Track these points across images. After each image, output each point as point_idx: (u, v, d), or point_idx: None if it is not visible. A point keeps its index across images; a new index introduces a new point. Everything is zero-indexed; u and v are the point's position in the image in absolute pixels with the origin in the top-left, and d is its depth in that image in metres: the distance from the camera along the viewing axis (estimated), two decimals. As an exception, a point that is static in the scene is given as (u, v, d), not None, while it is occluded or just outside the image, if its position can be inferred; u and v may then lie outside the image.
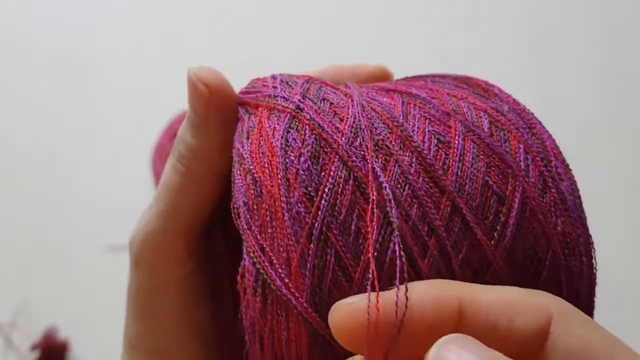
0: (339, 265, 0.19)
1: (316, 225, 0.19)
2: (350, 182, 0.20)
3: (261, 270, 0.20)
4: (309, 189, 0.20)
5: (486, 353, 0.17)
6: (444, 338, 0.17)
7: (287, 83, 0.23)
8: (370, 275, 0.19)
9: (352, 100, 0.22)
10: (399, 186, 0.20)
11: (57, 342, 0.62)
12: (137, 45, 0.79)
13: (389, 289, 0.18)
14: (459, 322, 0.18)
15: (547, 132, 0.22)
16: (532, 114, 0.23)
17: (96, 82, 0.77)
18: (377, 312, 0.17)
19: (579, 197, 0.22)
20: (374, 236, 0.19)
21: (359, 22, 0.82)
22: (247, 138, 0.21)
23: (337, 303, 0.18)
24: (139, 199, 0.71)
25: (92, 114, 0.75)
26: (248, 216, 0.20)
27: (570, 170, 0.22)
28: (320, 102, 0.22)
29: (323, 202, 0.19)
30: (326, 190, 0.20)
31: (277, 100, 0.22)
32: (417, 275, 0.19)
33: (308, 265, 0.19)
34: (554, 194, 0.21)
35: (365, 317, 0.17)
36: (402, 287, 0.18)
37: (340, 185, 0.20)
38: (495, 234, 0.20)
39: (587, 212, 0.22)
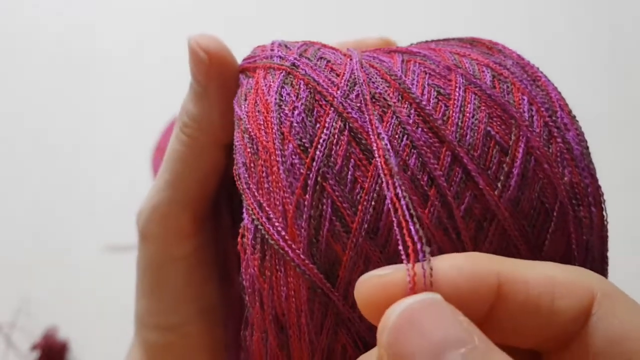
0: (336, 215, 0.19)
1: (311, 175, 0.19)
2: (346, 132, 0.19)
3: (259, 227, 0.19)
4: (304, 140, 0.19)
5: (455, 325, 0.16)
6: (407, 301, 0.16)
7: (286, 46, 0.23)
8: (400, 245, 0.18)
9: (350, 59, 0.22)
10: (396, 136, 0.19)
11: (57, 342, 0.62)
12: (138, 45, 0.79)
13: (422, 261, 0.17)
14: (498, 300, 0.17)
15: (553, 84, 0.22)
16: (537, 67, 0.22)
17: (96, 82, 0.77)
18: (411, 285, 0.17)
19: (587, 147, 0.21)
20: (371, 185, 0.19)
21: (358, 20, 0.82)
22: (245, 99, 0.21)
23: (366, 275, 0.17)
24: (139, 199, 0.71)
25: (93, 114, 0.75)
26: (246, 175, 0.20)
27: (577, 121, 0.21)
28: (317, 60, 0.22)
29: (318, 152, 0.19)
30: (321, 141, 0.19)
31: (274, 60, 0.22)
32: (419, 238, 0.18)
33: (304, 216, 0.19)
34: (559, 144, 0.20)
35: (394, 291, 0.17)
36: (434, 261, 0.17)
37: (336, 136, 0.19)
38: (499, 184, 0.19)
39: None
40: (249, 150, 0.20)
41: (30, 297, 0.66)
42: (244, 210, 0.20)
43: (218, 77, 0.23)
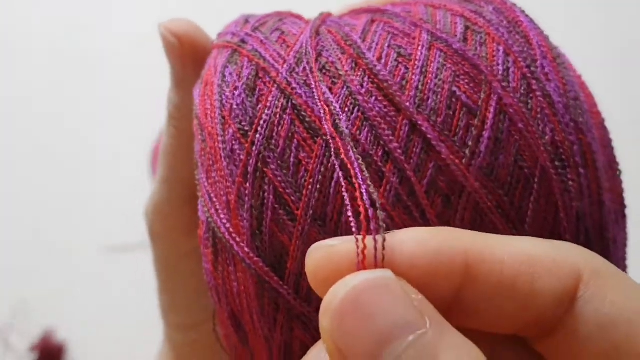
0: (279, 202, 0.17)
1: (251, 161, 0.17)
2: (288, 111, 0.18)
3: (209, 219, 0.18)
4: (243, 123, 0.18)
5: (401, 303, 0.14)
6: (352, 280, 0.14)
7: (246, 21, 0.21)
8: (347, 217, 0.16)
9: (308, 27, 0.20)
10: (346, 109, 0.17)
11: (54, 343, 0.62)
12: (138, 45, 0.79)
13: (384, 234, 0.15)
14: (467, 281, 0.15)
15: (537, 28, 0.19)
16: (522, 11, 0.20)
17: (96, 81, 0.77)
18: (360, 258, 0.15)
19: (575, 98, 0.18)
20: (316, 167, 0.17)
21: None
22: (200, 82, 0.20)
23: (316, 244, 0.16)
24: (138, 200, 0.70)
25: (93, 114, 0.75)
26: (200, 164, 0.19)
27: (564, 68, 0.19)
28: (271, 33, 0.20)
29: (258, 135, 0.18)
30: (261, 122, 0.18)
31: (227, 37, 0.21)
32: (374, 207, 0.16)
33: (246, 206, 0.17)
34: (539, 98, 0.18)
35: (344, 262, 0.15)
36: (392, 235, 0.15)
37: (277, 116, 0.18)
38: (467, 151, 0.17)
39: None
40: (199, 137, 0.19)
41: (28, 299, 0.66)
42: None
43: (193, 61, 0.22)
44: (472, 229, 0.16)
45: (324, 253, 0.15)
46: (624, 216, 0.19)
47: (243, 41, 0.20)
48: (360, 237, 0.15)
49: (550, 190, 0.17)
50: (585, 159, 0.18)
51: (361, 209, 0.15)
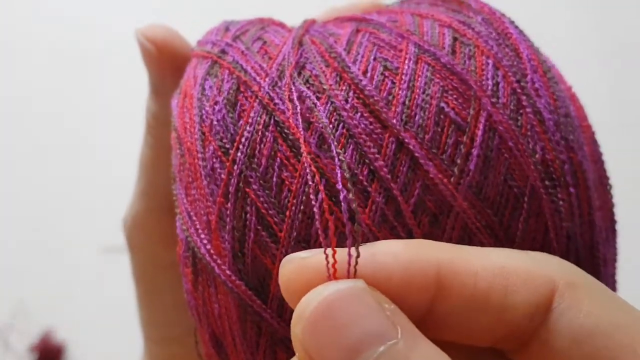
0: (262, 223, 0.17)
1: (232, 180, 0.17)
2: (271, 127, 0.17)
3: (189, 238, 0.18)
4: (224, 141, 0.17)
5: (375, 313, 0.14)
6: (325, 290, 0.14)
7: (227, 28, 0.21)
8: (311, 232, 0.16)
9: (290, 36, 0.19)
10: (330, 126, 0.17)
11: (54, 343, 0.62)
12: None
13: (357, 246, 0.15)
14: (439, 292, 0.15)
15: (527, 40, 0.19)
16: (511, 22, 0.19)
17: (96, 81, 0.77)
18: (331, 270, 0.14)
19: (566, 114, 0.18)
20: (299, 187, 0.17)
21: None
22: (179, 93, 0.19)
23: (289, 256, 0.15)
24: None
25: (92, 114, 0.75)
26: (178, 179, 0.18)
27: (553, 82, 0.18)
28: (252, 43, 0.19)
29: (239, 154, 0.17)
30: (243, 140, 0.17)
31: (207, 46, 0.20)
32: (352, 220, 0.15)
33: (227, 227, 0.17)
34: (529, 115, 0.17)
35: (316, 273, 0.15)
36: (367, 248, 0.15)
37: (260, 133, 0.17)
38: (456, 170, 0.16)
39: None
40: (177, 151, 0.18)
41: (28, 299, 0.66)
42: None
43: (171, 69, 0.22)
44: None
45: (296, 265, 0.15)
46: (614, 232, 0.19)
47: (223, 51, 0.19)
48: (329, 250, 0.14)
49: (540, 210, 0.17)
50: (576, 177, 0.17)
51: (333, 222, 0.15)
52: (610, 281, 0.19)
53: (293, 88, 0.17)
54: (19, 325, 0.64)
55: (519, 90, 0.17)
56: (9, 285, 0.67)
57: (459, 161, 0.16)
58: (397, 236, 0.16)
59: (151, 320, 0.25)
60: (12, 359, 0.63)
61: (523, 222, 0.17)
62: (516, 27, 0.19)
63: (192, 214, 0.18)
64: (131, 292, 0.70)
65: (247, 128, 0.17)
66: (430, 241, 0.16)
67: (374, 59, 0.18)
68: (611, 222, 0.19)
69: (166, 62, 0.22)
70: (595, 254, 0.18)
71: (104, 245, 0.69)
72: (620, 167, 0.73)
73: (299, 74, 0.18)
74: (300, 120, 0.17)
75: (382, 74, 0.17)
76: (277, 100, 0.17)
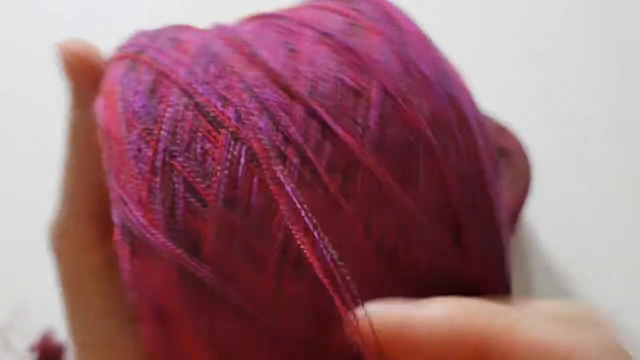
0: (190, 190, 0.18)
1: (158, 156, 0.19)
2: (191, 107, 0.19)
3: (124, 220, 0.19)
4: (147, 123, 0.19)
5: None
6: None
7: (143, 34, 0.23)
8: (258, 199, 0.18)
9: (203, 35, 0.22)
10: (245, 102, 0.19)
11: (54, 344, 0.62)
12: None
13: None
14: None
15: (411, 23, 0.22)
16: (398, 9, 0.23)
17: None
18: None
19: (445, 74, 0.21)
20: (222, 154, 0.19)
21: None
22: (101, 95, 0.21)
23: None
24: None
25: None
26: (109, 171, 0.20)
27: (433, 49, 0.22)
28: (168, 41, 0.22)
29: (163, 132, 0.19)
30: (165, 120, 0.19)
31: (125, 48, 0.22)
32: (279, 186, 0.18)
33: (157, 199, 0.18)
34: (416, 77, 0.20)
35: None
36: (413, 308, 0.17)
37: (180, 113, 0.19)
38: (359, 129, 0.19)
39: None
40: (105, 144, 0.20)
41: (28, 299, 0.66)
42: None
43: (91, 80, 0.23)
44: (369, 198, 0.18)
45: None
46: (496, 169, 0.22)
47: (141, 51, 0.21)
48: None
49: (433, 155, 0.20)
50: (461, 124, 0.20)
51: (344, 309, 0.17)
52: (501, 214, 0.22)
53: (208, 74, 0.20)
54: (19, 325, 0.64)
55: (403, 57, 0.20)
56: (9, 285, 0.67)
57: (359, 120, 0.19)
58: (315, 192, 0.19)
59: (78, 326, 0.25)
60: (12, 359, 0.63)
61: (422, 167, 0.19)
62: (398, 8, 0.23)
63: (124, 196, 0.19)
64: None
65: (168, 109, 0.19)
66: (473, 304, 0.16)
67: (280, 44, 0.21)
68: (493, 160, 0.22)
69: (86, 74, 0.23)
70: (486, 191, 0.21)
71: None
72: (621, 166, 0.73)
73: (212, 62, 0.20)
74: (217, 98, 0.19)
75: (287, 55, 0.20)
76: (194, 85, 0.19)
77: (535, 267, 0.67)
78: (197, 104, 0.19)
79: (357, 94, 0.19)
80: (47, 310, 0.65)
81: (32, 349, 0.62)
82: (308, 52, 0.20)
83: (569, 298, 0.65)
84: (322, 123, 0.19)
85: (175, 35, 0.22)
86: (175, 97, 0.19)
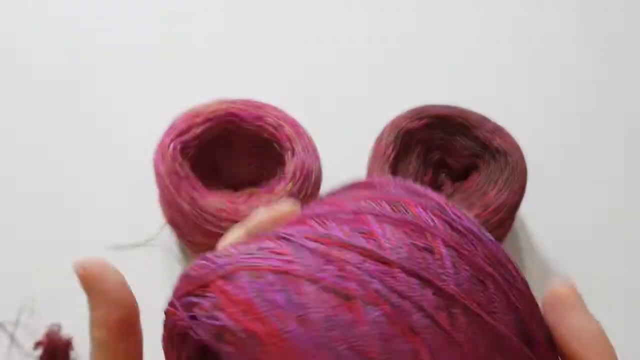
0: None
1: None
2: (321, 289, 0.22)
3: None
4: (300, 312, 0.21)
5: None
6: None
7: (235, 248, 0.24)
8: None
9: (301, 245, 0.24)
10: (362, 277, 0.22)
11: (60, 339, 0.62)
12: (140, 44, 0.80)
13: None
14: None
15: (430, 191, 0.26)
16: (417, 186, 0.26)
17: (98, 82, 0.78)
18: None
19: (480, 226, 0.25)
20: None
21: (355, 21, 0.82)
22: (219, 310, 0.22)
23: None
24: (141, 199, 0.72)
25: (95, 114, 0.76)
26: None
27: (463, 211, 0.25)
28: (269, 253, 0.24)
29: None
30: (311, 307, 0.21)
31: (224, 268, 0.23)
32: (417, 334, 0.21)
33: None
34: (461, 231, 0.24)
35: None
36: None
37: (320, 297, 0.21)
38: (443, 276, 0.22)
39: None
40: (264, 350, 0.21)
41: (34, 295, 0.66)
42: None
43: (112, 299, 0.24)
44: (470, 327, 0.21)
45: None
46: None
47: (249, 258, 0.23)
48: None
49: (499, 285, 0.23)
50: (506, 259, 0.24)
51: None
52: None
53: (320, 267, 0.22)
54: (25, 321, 0.65)
55: (446, 219, 0.24)
56: (15, 281, 0.67)
57: (440, 270, 0.22)
58: (436, 333, 0.21)
59: None
60: (18, 355, 0.63)
61: (496, 297, 0.23)
62: (417, 186, 0.26)
63: None
64: (136, 288, 0.70)
65: (310, 299, 0.22)
66: None
67: (357, 232, 0.23)
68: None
69: (107, 292, 0.24)
70: (535, 302, 0.24)
71: (110, 242, 0.69)
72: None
73: (327, 260, 0.23)
74: (337, 278, 0.22)
75: (367, 238, 0.23)
76: (318, 274, 0.22)
77: (530, 262, 0.68)
78: (325, 287, 0.21)
79: (430, 251, 0.23)
80: (53, 307, 0.65)
81: (38, 344, 0.62)
82: (379, 231, 0.23)
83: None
84: (418, 276, 0.22)
85: (265, 245, 0.24)
86: (305, 287, 0.22)
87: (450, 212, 0.24)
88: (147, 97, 0.77)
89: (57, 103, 0.76)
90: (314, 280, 0.22)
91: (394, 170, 0.63)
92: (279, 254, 0.23)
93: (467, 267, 0.23)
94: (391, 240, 0.23)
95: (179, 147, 0.61)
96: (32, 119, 0.75)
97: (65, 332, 0.63)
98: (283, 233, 0.24)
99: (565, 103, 0.76)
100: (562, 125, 0.75)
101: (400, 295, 0.21)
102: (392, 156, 0.62)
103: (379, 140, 0.64)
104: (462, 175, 0.66)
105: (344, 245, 0.23)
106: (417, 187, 0.26)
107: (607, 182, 0.72)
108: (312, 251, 0.23)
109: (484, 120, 0.64)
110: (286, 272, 0.22)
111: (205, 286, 0.23)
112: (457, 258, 0.23)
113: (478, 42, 0.80)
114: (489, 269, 0.23)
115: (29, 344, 0.62)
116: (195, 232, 0.60)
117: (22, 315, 0.64)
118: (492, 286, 0.23)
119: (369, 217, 0.24)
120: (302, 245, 0.23)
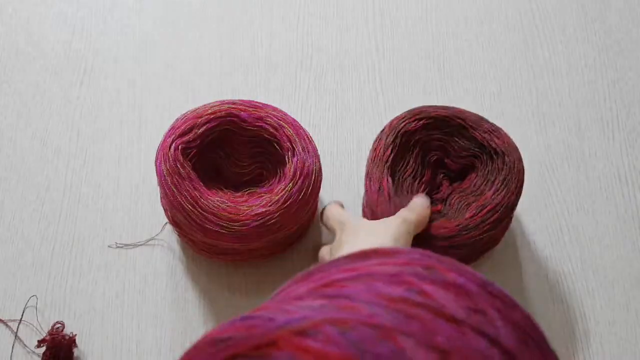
0: None
1: None
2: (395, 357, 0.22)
3: None
4: None
5: None
6: None
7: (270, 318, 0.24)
8: None
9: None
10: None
11: (64, 337, 0.62)
12: (141, 45, 0.81)
13: None
14: None
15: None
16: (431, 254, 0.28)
17: (99, 82, 0.78)
18: None
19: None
20: None
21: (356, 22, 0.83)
22: None
23: None
24: (143, 198, 0.72)
25: (97, 114, 0.76)
26: None
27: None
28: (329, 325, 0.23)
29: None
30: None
31: (294, 323, 0.22)
32: None
33: None
34: (495, 294, 0.26)
35: None
36: None
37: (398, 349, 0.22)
38: (498, 336, 0.24)
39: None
40: None
41: (37, 293, 0.66)
42: None
43: None
44: None
45: None
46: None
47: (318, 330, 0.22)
48: None
49: (539, 345, 0.25)
50: (532, 319, 0.26)
51: None
52: None
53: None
54: (29, 319, 0.65)
55: (479, 283, 0.26)
56: (19, 279, 0.67)
57: (494, 331, 0.24)
58: None
59: None
60: (22, 352, 0.64)
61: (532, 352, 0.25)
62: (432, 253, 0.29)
63: None
64: (141, 286, 0.71)
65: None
66: None
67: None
68: None
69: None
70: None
71: (114, 241, 0.70)
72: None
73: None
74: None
75: (422, 302, 0.24)
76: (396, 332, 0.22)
77: (526, 261, 0.69)
78: (418, 342, 0.22)
79: (483, 313, 0.24)
80: (56, 305, 0.66)
81: (42, 342, 0.62)
82: (433, 294, 0.24)
83: (558, 287, 0.67)
84: (483, 334, 0.23)
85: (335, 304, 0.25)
86: (400, 340, 0.22)
87: (480, 276, 0.25)
88: (149, 98, 0.77)
89: (58, 103, 0.77)
90: (407, 334, 0.22)
91: (393, 171, 0.63)
92: (352, 308, 0.22)
93: (511, 326, 0.24)
94: (444, 303, 0.24)
95: (180, 147, 0.61)
96: (33, 119, 0.76)
97: (69, 330, 0.64)
98: (333, 292, 0.24)
99: (564, 103, 0.77)
100: (561, 125, 0.76)
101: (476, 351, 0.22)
102: (390, 157, 0.63)
103: (378, 141, 0.65)
104: (459, 175, 0.66)
105: (407, 301, 0.23)
106: (438, 257, 0.27)
107: (605, 181, 0.73)
108: (385, 307, 0.23)
109: (481, 120, 0.65)
110: (378, 326, 0.22)
111: (263, 346, 0.21)
112: (502, 320, 0.24)
113: (478, 43, 0.81)
114: (527, 329, 0.24)
115: (32, 342, 0.63)
116: (196, 231, 0.60)
117: (26, 313, 0.65)
118: (532, 344, 0.24)
119: (413, 278, 0.25)
120: (368, 302, 0.23)
